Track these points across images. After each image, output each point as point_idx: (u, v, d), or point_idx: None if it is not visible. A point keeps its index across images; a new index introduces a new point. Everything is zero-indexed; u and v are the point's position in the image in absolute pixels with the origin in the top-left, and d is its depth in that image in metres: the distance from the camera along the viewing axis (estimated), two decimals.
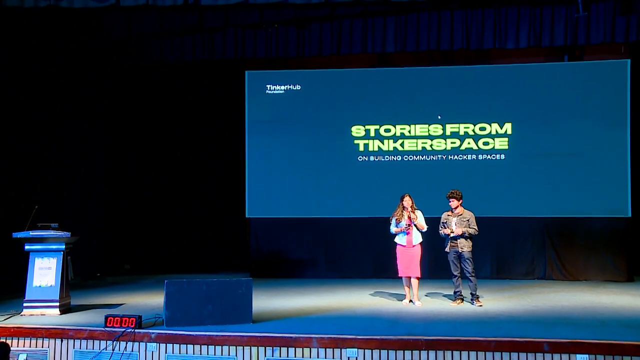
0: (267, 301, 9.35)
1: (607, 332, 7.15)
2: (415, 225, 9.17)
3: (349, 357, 6.87)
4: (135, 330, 7.24)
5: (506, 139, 11.94)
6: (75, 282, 10.61)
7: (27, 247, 8.40)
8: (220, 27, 11.62)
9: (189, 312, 7.52)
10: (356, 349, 6.88)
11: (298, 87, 12.45)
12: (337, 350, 6.91)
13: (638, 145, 11.67)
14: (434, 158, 12.12)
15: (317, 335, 7.00)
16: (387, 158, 12.23)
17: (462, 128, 12.06)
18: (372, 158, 12.27)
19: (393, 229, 9.32)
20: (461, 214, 9.07)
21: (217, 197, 13.34)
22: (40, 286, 8.32)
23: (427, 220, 9.32)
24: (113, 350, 7.21)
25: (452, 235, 9.03)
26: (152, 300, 9.35)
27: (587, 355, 6.56)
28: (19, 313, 8.23)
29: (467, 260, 8.99)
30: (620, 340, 6.70)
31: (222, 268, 12.84)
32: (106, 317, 7.39)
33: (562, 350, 6.61)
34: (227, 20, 11.54)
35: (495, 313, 8.44)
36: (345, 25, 11.47)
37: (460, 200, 9.10)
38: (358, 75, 12.40)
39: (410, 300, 9.26)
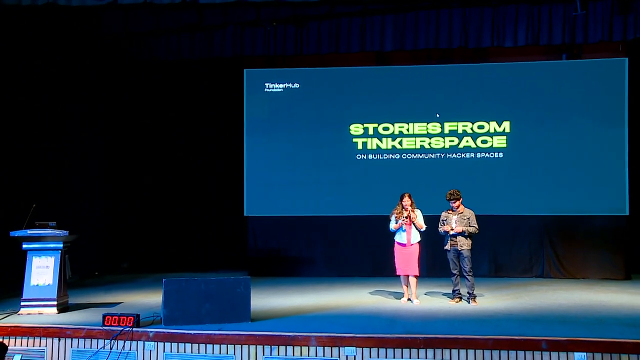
0: (266, 300, 9.35)
1: (605, 330, 7.15)
2: (414, 224, 9.17)
3: (347, 356, 6.87)
4: (133, 329, 7.23)
5: (504, 137, 11.94)
6: (73, 280, 10.60)
7: (24, 245, 8.39)
8: (218, 25, 11.60)
9: (187, 310, 7.51)
10: (354, 348, 6.88)
11: (297, 86, 12.44)
12: (335, 349, 6.91)
13: (636, 144, 11.67)
14: (433, 156, 12.12)
15: (315, 334, 7.01)
16: (385, 156, 12.23)
17: (460, 126, 12.06)
18: (370, 156, 12.26)
19: (392, 225, 9.32)
20: (462, 212, 9.07)
21: (216, 195, 13.34)
22: (38, 285, 8.31)
23: (426, 219, 9.32)
24: (111, 349, 7.20)
25: (452, 232, 9.01)
26: (150, 299, 9.34)
27: (585, 354, 6.56)
28: (17, 312, 8.22)
29: (466, 259, 8.98)
30: (618, 338, 6.70)
31: (220, 267, 12.83)
32: (104, 316, 7.38)
33: (560, 348, 6.61)
34: (225, 18, 11.52)
35: (494, 311, 8.44)
36: (344, 23, 11.45)
37: (460, 199, 9.10)
38: (356, 74, 12.40)
39: (409, 299, 9.26)
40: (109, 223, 13.00)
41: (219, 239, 13.27)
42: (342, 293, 10.16)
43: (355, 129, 12.30)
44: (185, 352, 7.13)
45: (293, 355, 6.94)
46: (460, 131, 12.05)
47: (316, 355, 6.91)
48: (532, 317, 8.02)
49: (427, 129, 12.15)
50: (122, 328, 7.23)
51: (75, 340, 7.34)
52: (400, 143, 12.20)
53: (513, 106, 11.90)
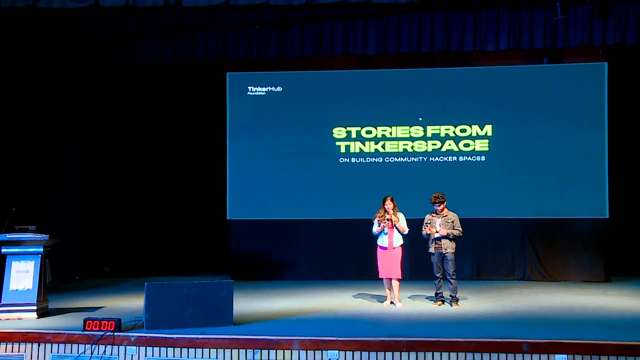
0: (248, 303, 9.32)
1: (585, 332, 7.22)
2: (396, 228, 9.20)
3: (330, 359, 6.87)
4: (115, 334, 7.18)
5: (487, 140, 12.02)
6: (53, 285, 10.52)
7: (3, 250, 8.29)
8: (201, 27, 11.60)
9: (169, 314, 7.47)
10: (337, 351, 6.87)
11: (279, 89, 12.44)
12: (318, 352, 6.89)
13: (616, 147, 11.79)
14: (415, 160, 12.17)
15: (298, 337, 6.99)
16: (368, 159, 12.26)
17: (443, 130, 12.12)
18: (353, 159, 12.29)
19: (375, 228, 9.34)
20: (446, 215, 9.10)
21: (198, 198, 13.28)
22: (17, 290, 8.22)
23: (408, 222, 9.34)
24: (92, 354, 7.14)
25: (436, 235, 9.04)
26: (132, 303, 9.28)
27: (566, 356, 6.61)
28: None
29: (450, 262, 9.02)
30: (598, 340, 6.76)
31: (203, 270, 12.76)
32: (85, 321, 7.32)
33: (541, 350, 6.66)
34: (208, 21, 11.51)
35: (476, 314, 8.48)
36: (327, 27, 11.49)
37: (445, 202, 9.14)
38: (339, 77, 12.42)
39: (392, 302, 9.27)
40: (91, 227, 12.89)
41: (202, 242, 13.22)
42: (325, 296, 10.16)
43: (338, 132, 12.33)
44: (167, 356, 7.09)
45: (276, 359, 6.92)
46: (442, 134, 12.12)
47: (299, 359, 6.90)
48: (513, 320, 8.07)
49: (409, 132, 12.20)
50: (103, 333, 7.18)
51: (55, 346, 7.27)
52: (383, 146, 12.24)
53: (495, 110, 11.99)
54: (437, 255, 9.11)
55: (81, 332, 7.24)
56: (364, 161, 12.27)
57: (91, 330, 7.23)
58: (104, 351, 7.14)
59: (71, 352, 7.21)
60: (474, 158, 12.03)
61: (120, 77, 13.01)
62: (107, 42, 11.96)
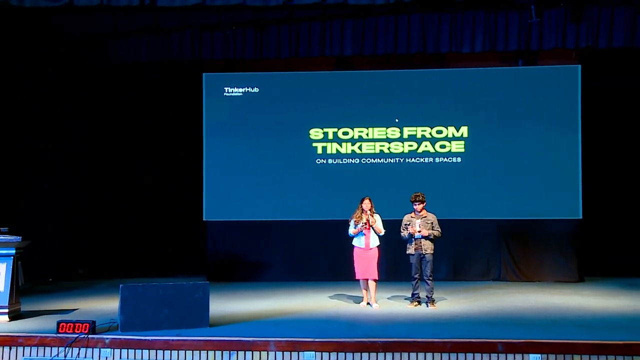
0: (225, 305, 9.29)
1: (559, 332, 7.30)
2: (373, 229, 9.22)
3: None
4: (89, 336, 7.10)
5: (462, 142, 12.10)
6: (26, 287, 10.36)
7: None
8: (177, 28, 11.53)
9: (144, 316, 7.42)
10: (314, 352, 6.87)
11: (256, 90, 12.42)
12: (294, 354, 6.89)
13: (589, 149, 11.94)
14: (392, 161, 12.22)
15: (274, 339, 6.98)
16: (345, 161, 12.29)
17: (419, 131, 12.18)
18: (330, 161, 12.30)
19: (351, 230, 9.36)
20: (425, 217, 9.14)
21: (174, 199, 13.20)
22: None
23: (385, 223, 9.37)
24: (65, 357, 7.05)
25: (416, 235, 9.06)
26: (107, 305, 9.20)
27: (540, 355, 6.68)
28: None
29: (428, 263, 9.06)
30: (571, 339, 6.85)
31: (179, 272, 12.68)
32: (58, 323, 7.22)
33: (515, 350, 6.72)
34: (184, 21, 11.46)
35: (451, 314, 8.54)
36: (304, 28, 11.49)
37: (424, 203, 9.18)
38: (316, 78, 12.43)
39: (368, 303, 9.29)
40: (65, 228, 12.74)
41: (178, 243, 13.13)
42: (302, 297, 10.16)
43: (315, 133, 12.34)
44: (142, 358, 7.03)
45: None
46: (419, 136, 12.17)
47: None
48: (489, 320, 8.14)
49: (386, 133, 12.24)
50: (77, 335, 7.10)
51: (27, 349, 7.16)
52: (360, 147, 12.27)
53: (471, 111, 12.07)
54: (416, 256, 9.15)
55: (54, 335, 7.15)
56: (340, 162, 12.29)
57: (65, 332, 7.14)
58: (78, 354, 7.06)
59: (44, 355, 7.12)
60: (450, 159, 12.10)
61: (94, 77, 12.86)
62: (81, 41, 11.83)
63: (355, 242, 9.37)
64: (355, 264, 9.35)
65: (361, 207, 9.28)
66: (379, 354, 6.81)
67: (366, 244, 9.24)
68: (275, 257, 12.40)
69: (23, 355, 7.14)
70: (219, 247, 12.46)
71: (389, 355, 6.80)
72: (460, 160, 12.09)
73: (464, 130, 12.10)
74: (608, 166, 12.49)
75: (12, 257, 8.20)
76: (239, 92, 12.41)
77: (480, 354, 6.75)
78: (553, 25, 10.86)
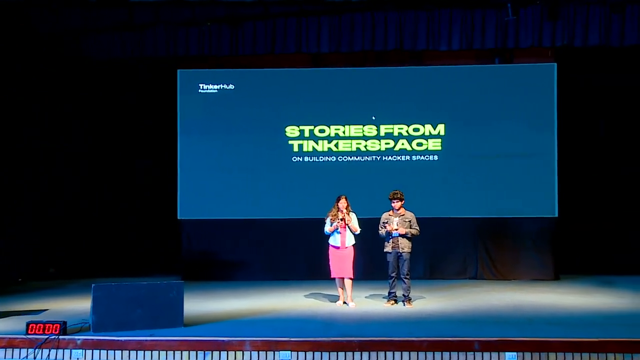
0: (199, 304, 9.24)
1: (534, 330, 7.39)
2: (348, 227, 9.23)
3: None
4: (60, 337, 7.03)
5: (439, 140, 12.16)
6: None
7: None
8: (150, 23, 11.41)
9: (117, 316, 7.37)
10: (289, 352, 6.87)
11: (231, 87, 12.36)
12: (270, 353, 6.89)
13: (564, 147, 12.06)
14: (368, 159, 12.24)
15: (249, 338, 6.97)
16: (321, 159, 12.28)
17: (396, 129, 12.22)
18: (306, 158, 12.30)
19: (327, 228, 9.37)
20: (403, 215, 9.17)
21: (148, 197, 13.10)
22: None
23: (361, 221, 9.39)
24: (35, 358, 6.98)
25: (394, 233, 9.08)
26: (78, 305, 9.09)
27: (516, 353, 6.74)
28: None
29: (405, 262, 9.09)
30: (547, 337, 6.93)
31: (153, 271, 12.56)
32: (28, 324, 7.14)
33: (491, 348, 6.78)
34: (158, 17, 11.35)
35: (428, 313, 8.58)
36: (280, 24, 11.45)
37: (403, 201, 9.20)
38: (292, 76, 12.41)
39: (344, 302, 9.31)
40: (34, 226, 12.58)
41: (152, 242, 13.03)
42: (278, 297, 10.15)
43: (291, 131, 12.32)
44: (115, 359, 6.98)
45: None
46: (396, 134, 12.21)
47: None
48: (465, 319, 8.20)
49: (363, 131, 12.26)
50: (47, 336, 7.02)
51: None
52: (336, 145, 12.28)
53: (448, 109, 12.13)
54: (393, 254, 9.17)
55: (24, 336, 7.07)
56: (317, 160, 12.29)
57: (34, 333, 7.06)
58: (48, 355, 6.99)
59: (12, 357, 7.03)
60: (426, 157, 12.15)
61: (65, 74, 12.70)
62: (53, 37, 11.67)
63: (330, 240, 9.37)
64: (330, 263, 9.36)
65: (337, 205, 9.30)
66: (355, 353, 6.83)
67: (341, 242, 9.25)
68: (251, 256, 12.35)
69: None
70: (194, 246, 12.39)
71: (365, 355, 6.82)
72: (437, 159, 12.15)
73: (440, 128, 12.16)
74: (584, 164, 12.64)
75: None
76: (214, 89, 12.35)
77: (456, 353, 6.79)
78: (529, 23, 10.95)
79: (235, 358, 6.89)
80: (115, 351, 6.99)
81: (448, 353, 6.80)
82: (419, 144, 12.18)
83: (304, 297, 10.08)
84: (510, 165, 11.97)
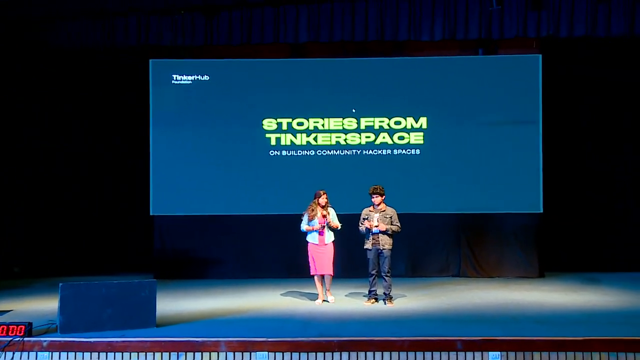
0: (173, 304, 9.21)
1: (518, 329, 7.45)
2: (328, 224, 9.24)
3: None
4: (25, 339, 6.95)
5: (421, 133, 12.18)
6: None
7: None
8: (121, 12, 11.31)
9: (86, 317, 7.33)
10: (266, 353, 6.86)
11: (206, 78, 12.29)
12: (246, 354, 6.88)
13: (549, 141, 12.14)
14: (348, 153, 12.23)
15: (225, 339, 6.96)
16: (299, 152, 12.25)
17: (377, 122, 12.22)
18: (284, 152, 12.26)
19: (304, 226, 9.36)
20: (384, 210, 9.16)
21: (119, 193, 13.02)
22: None
23: (341, 218, 9.42)
24: None
25: (374, 230, 9.07)
26: (45, 306, 9.02)
27: (500, 353, 6.78)
28: None
29: (386, 259, 9.08)
30: (531, 336, 6.98)
31: (124, 269, 12.50)
32: None
33: (475, 348, 6.81)
34: (129, 4, 11.24)
35: (410, 312, 8.61)
36: (256, 13, 11.39)
37: (383, 196, 9.20)
38: (270, 66, 12.35)
39: (324, 300, 9.34)
40: None
41: (123, 240, 12.96)
42: (254, 295, 10.13)
43: (269, 124, 12.27)
44: None
45: None
46: (376, 127, 12.21)
47: None
48: (448, 317, 8.24)
49: (342, 124, 12.25)
50: (11, 338, 6.93)
51: None
52: (315, 139, 12.26)
53: (430, 101, 12.15)
54: (373, 251, 9.16)
55: None
56: (295, 154, 12.25)
57: None
58: (12, 358, 6.90)
59: None
60: (408, 151, 12.17)
61: (31, 63, 12.53)
62: (17, 25, 11.51)
63: (309, 237, 9.39)
64: (310, 260, 9.38)
65: (317, 201, 9.29)
66: (334, 353, 6.83)
67: (321, 240, 9.28)
68: (226, 253, 12.32)
69: None
70: (167, 243, 12.32)
71: (345, 355, 6.82)
72: (419, 153, 12.17)
73: (422, 121, 12.18)
74: (570, 158, 12.74)
75: None
76: (188, 80, 12.26)
77: (439, 353, 6.82)
78: (514, 13, 10.99)
79: (210, 359, 6.85)
80: (84, 353, 6.93)
81: (430, 353, 6.82)
82: (401, 138, 12.19)
83: (281, 296, 10.06)
84: (494, 159, 12.02)
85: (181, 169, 12.22)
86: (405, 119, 12.20)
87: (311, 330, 7.41)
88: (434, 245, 12.27)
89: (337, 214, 9.40)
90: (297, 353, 6.85)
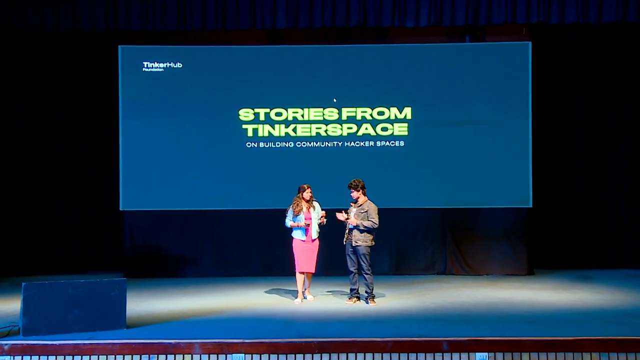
0: (144, 304, 9.20)
1: (507, 329, 7.50)
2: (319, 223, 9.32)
3: None
4: None
5: (406, 124, 12.19)
6: None
7: None
8: None
9: (51, 318, 7.29)
10: (243, 354, 6.87)
11: (179, 65, 12.21)
12: (222, 356, 6.88)
13: (539, 133, 12.21)
14: (329, 145, 12.22)
15: (199, 340, 6.95)
16: (278, 144, 12.22)
17: (359, 112, 12.21)
18: (261, 144, 12.22)
19: (289, 222, 9.37)
20: (361, 205, 9.17)
21: (87, 187, 12.90)
22: None
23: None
24: None
25: (350, 225, 9.09)
26: (6, 307, 8.97)
27: (487, 354, 6.81)
28: None
29: (362, 256, 9.09)
30: (520, 336, 7.03)
31: (92, 268, 12.48)
32: None
33: (461, 349, 6.84)
34: None
35: (393, 311, 8.63)
36: None
37: (362, 191, 9.19)
38: (246, 53, 12.30)
39: (304, 298, 9.39)
40: None
41: (89, 235, 12.87)
42: (231, 294, 10.14)
43: (245, 114, 12.23)
44: None
45: None
46: (359, 117, 12.21)
47: None
48: (433, 317, 8.27)
49: (323, 114, 12.23)
50: None
51: None
52: (295, 130, 12.23)
53: (415, 91, 12.16)
54: (348, 247, 9.20)
55: None
56: (273, 146, 12.22)
57: None
58: None
59: None
60: (392, 143, 12.19)
61: None
62: None
63: (295, 233, 9.43)
64: (295, 257, 9.43)
65: (300, 196, 9.31)
66: (314, 355, 6.84)
67: (308, 235, 9.32)
68: (201, 250, 12.29)
69: None
70: (138, 240, 12.27)
71: (325, 356, 6.84)
72: (403, 144, 12.18)
73: (407, 112, 12.19)
74: (560, 152, 12.81)
75: None
76: (160, 68, 12.18)
77: (423, 354, 6.84)
78: None
79: None
80: (49, 357, 6.89)
81: (415, 354, 6.84)
82: (384, 129, 12.20)
83: (259, 295, 10.06)
84: (482, 151, 12.06)
85: (153, 162, 12.15)
86: (389, 110, 12.21)
87: (290, 331, 7.42)
88: (418, 242, 12.30)
89: (321, 208, 9.43)
90: (276, 355, 6.85)
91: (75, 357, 6.87)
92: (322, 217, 9.36)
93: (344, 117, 12.23)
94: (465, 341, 6.89)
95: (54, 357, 6.88)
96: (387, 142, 12.19)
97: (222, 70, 12.26)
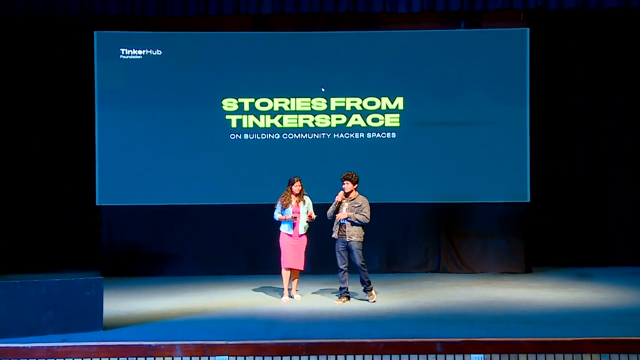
0: (122, 304, 9.18)
1: (503, 329, 7.53)
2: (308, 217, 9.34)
3: None
4: None
5: (397, 115, 12.20)
6: None
7: None
8: None
9: (23, 320, 7.26)
10: (226, 357, 6.85)
11: (159, 52, 12.18)
12: (204, 359, 6.85)
13: (538, 124, 12.24)
14: (317, 136, 12.23)
15: (181, 342, 6.93)
16: (263, 136, 12.22)
17: (348, 102, 12.22)
18: (246, 136, 12.22)
19: (277, 215, 9.39)
20: (353, 199, 9.18)
21: (61, 181, 12.85)
22: None
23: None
24: None
25: (341, 220, 9.11)
26: None
27: (482, 355, 6.83)
28: None
29: (355, 252, 9.10)
30: (516, 337, 7.05)
31: (67, 266, 12.46)
32: None
33: (455, 350, 6.84)
34: None
35: (385, 311, 8.65)
36: None
37: (356, 185, 9.21)
38: (230, 40, 12.29)
39: (290, 296, 9.40)
40: None
41: (64, 231, 12.82)
42: (214, 294, 10.15)
43: (229, 104, 12.21)
44: None
45: None
46: (348, 108, 12.21)
47: None
48: (426, 317, 8.30)
49: (311, 105, 12.23)
50: None
51: None
52: (281, 121, 12.22)
53: (407, 80, 12.18)
54: (339, 243, 9.21)
55: None
56: (258, 138, 12.22)
57: None
58: None
59: None
60: (383, 135, 12.20)
61: None
62: None
63: (282, 227, 9.45)
64: (282, 252, 9.46)
65: (290, 189, 9.32)
66: (302, 357, 6.83)
67: (295, 230, 9.34)
68: (182, 247, 12.30)
69: None
70: (115, 237, 12.25)
71: (313, 358, 6.83)
72: (394, 136, 12.20)
73: (399, 102, 12.20)
74: (559, 144, 12.85)
75: None
76: (138, 55, 12.13)
77: (416, 355, 6.84)
78: None
79: None
80: None
81: (407, 356, 6.85)
82: (375, 120, 12.20)
83: (243, 294, 10.07)
84: (477, 144, 12.09)
85: (131, 154, 12.12)
86: (380, 99, 12.21)
87: (276, 332, 7.43)
88: (411, 239, 12.33)
89: (312, 203, 9.46)
90: (261, 357, 6.84)
91: None
92: (309, 214, 9.35)
93: (332, 108, 12.23)
94: (460, 342, 6.90)
95: None
96: (378, 133, 12.20)
97: (204, 57, 12.25)
